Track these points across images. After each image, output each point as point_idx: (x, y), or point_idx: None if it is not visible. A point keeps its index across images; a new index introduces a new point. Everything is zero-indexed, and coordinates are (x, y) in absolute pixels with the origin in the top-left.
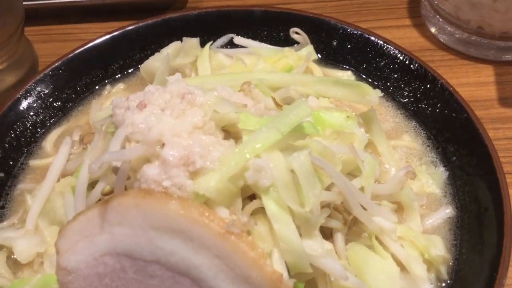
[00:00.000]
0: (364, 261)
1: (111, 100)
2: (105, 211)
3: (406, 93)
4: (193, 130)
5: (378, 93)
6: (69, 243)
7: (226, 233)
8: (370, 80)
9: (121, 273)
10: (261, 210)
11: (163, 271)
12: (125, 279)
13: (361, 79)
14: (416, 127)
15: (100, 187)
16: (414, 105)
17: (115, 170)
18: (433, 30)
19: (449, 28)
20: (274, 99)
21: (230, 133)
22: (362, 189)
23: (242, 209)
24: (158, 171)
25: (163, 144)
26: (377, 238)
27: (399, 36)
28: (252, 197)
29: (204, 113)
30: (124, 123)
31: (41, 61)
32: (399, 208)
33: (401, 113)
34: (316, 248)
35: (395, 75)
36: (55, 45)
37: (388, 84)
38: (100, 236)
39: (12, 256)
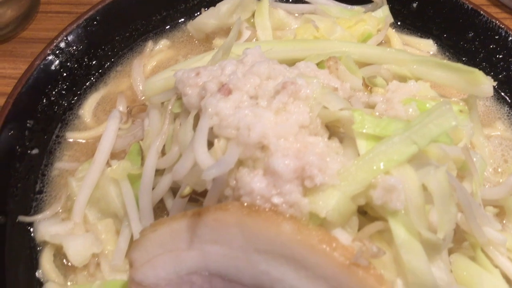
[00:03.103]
0: (478, 281)
1: (156, 60)
2: (196, 225)
3: (498, 72)
4: (299, 131)
5: (491, 82)
6: (147, 256)
7: (352, 266)
8: (452, 51)
9: None
10: (380, 232)
11: None
12: None
13: (443, 50)
14: (509, 113)
15: (167, 180)
16: (507, 86)
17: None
18: None
19: None
20: (364, 80)
21: (331, 130)
22: (471, 194)
23: (359, 230)
24: (266, 184)
25: (263, 147)
26: (482, 249)
27: None
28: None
29: (310, 109)
30: (206, 112)
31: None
32: (500, 213)
33: (492, 96)
34: (441, 276)
35: (487, 50)
36: None
37: (477, 60)
38: (188, 252)
39: (62, 256)
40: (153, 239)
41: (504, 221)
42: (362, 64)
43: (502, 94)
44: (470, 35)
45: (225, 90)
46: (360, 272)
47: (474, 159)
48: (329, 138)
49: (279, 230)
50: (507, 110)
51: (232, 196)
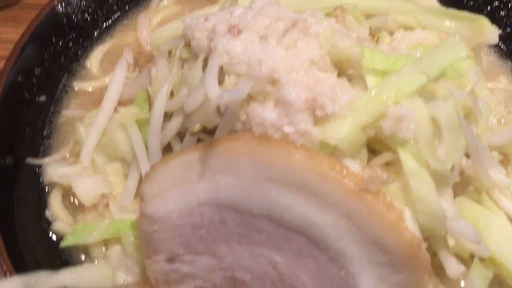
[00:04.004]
0: (483, 222)
1: (162, 15)
2: (207, 157)
3: (502, 28)
4: (309, 66)
5: (496, 29)
6: (158, 189)
7: (362, 192)
8: (455, 9)
9: (220, 226)
10: (390, 163)
11: (274, 226)
12: (224, 232)
13: (446, 7)
14: None
15: (176, 122)
16: (511, 41)
17: (219, 109)
18: None
19: None
20: (370, 29)
21: (340, 71)
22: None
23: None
24: (277, 114)
25: (274, 81)
26: (487, 193)
27: None
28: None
29: (320, 46)
30: (216, 51)
31: None
32: (505, 160)
33: (495, 51)
34: (448, 208)
35: (490, 7)
36: None
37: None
38: (199, 184)
39: (71, 196)
40: (164, 172)
41: (508, 168)
42: (368, 16)
43: (505, 50)
44: None
45: (234, 30)
46: (369, 198)
47: (480, 104)
48: (338, 77)
49: (290, 158)
50: (510, 65)
51: (243, 129)
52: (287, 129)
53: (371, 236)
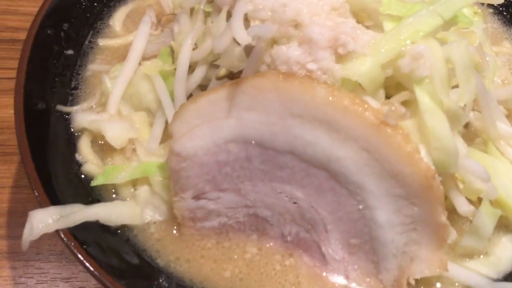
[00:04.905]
0: (491, 167)
1: None
2: (234, 94)
3: None
4: (330, 11)
5: None
6: (187, 127)
7: (381, 124)
8: None
9: (245, 163)
10: (406, 103)
11: (296, 162)
12: (249, 169)
13: None
14: None
15: (201, 71)
16: None
17: (247, 49)
18: None
19: None
20: None
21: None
22: None
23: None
24: (302, 52)
25: (297, 25)
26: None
27: None
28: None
29: None
30: (240, 0)
31: None
32: (509, 115)
33: (498, 19)
34: (460, 147)
35: None
36: None
37: None
38: (226, 121)
39: (99, 141)
40: (192, 111)
41: None
42: None
43: (509, 17)
44: None
45: None
46: (388, 130)
47: (487, 58)
48: None
49: (314, 93)
50: None
51: (268, 70)
52: (311, 66)
53: (389, 169)
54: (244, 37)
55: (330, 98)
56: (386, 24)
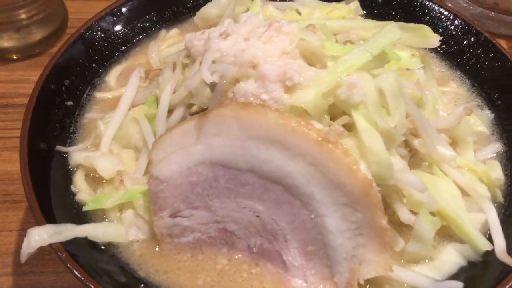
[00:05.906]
0: (430, 183)
1: (168, 42)
2: (202, 123)
3: (450, 45)
4: (281, 55)
5: (438, 37)
6: (164, 154)
7: (323, 141)
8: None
9: (213, 182)
10: (347, 127)
11: (255, 179)
12: (217, 188)
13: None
14: (461, 76)
15: (179, 112)
16: (458, 56)
17: (212, 86)
18: (449, 4)
19: (463, 4)
20: (336, 41)
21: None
22: None
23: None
24: (256, 86)
25: (254, 66)
26: (437, 166)
27: None
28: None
29: (290, 41)
30: (209, 50)
31: (71, 18)
32: (453, 143)
33: (446, 64)
34: (396, 162)
35: (440, 30)
36: (84, 3)
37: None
38: (196, 147)
39: (91, 175)
40: (168, 140)
41: (457, 150)
42: (336, 33)
43: (455, 62)
44: (426, 18)
45: (224, 34)
46: (330, 146)
47: (426, 93)
48: None
49: (267, 118)
50: (459, 74)
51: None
52: (264, 96)
53: (333, 180)
54: (209, 77)
55: (280, 121)
56: (329, 63)
